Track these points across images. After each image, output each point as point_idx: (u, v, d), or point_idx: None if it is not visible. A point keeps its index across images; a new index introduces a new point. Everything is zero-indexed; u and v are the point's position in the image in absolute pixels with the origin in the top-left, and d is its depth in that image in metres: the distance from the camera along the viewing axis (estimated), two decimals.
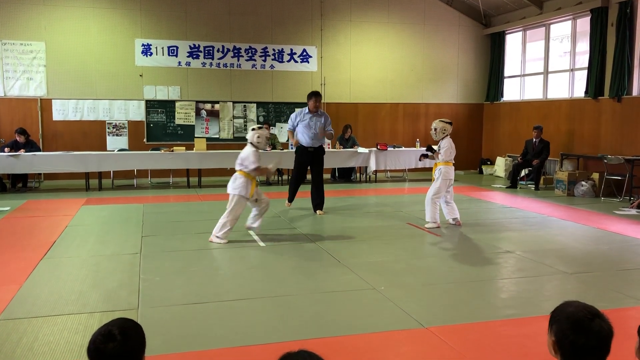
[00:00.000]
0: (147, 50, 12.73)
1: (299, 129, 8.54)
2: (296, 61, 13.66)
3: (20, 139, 10.81)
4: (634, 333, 2.13)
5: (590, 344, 1.79)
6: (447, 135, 7.55)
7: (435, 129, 7.56)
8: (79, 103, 12.47)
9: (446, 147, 7.46)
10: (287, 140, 12.97)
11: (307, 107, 8.57)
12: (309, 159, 8.59)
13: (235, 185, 6.58)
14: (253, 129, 6.74)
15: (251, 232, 7.05)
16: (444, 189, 7.50)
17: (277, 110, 13.62)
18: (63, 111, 12.41)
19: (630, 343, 2.16)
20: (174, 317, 4.14)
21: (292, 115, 8.73)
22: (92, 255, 5.99)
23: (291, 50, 13.58)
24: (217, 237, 6.53)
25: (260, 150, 6.71)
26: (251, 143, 6.68)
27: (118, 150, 12.02)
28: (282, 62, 13.55)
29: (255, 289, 4.82)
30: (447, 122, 7.60)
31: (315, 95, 8.48)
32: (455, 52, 14.75)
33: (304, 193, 9.05)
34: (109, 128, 12.71)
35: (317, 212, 8.57)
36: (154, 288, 4.81)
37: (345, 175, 13.06)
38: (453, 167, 7.59)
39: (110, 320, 1.86)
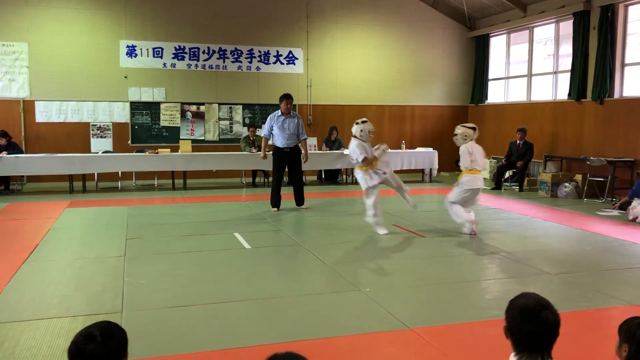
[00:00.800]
0: (131, 52, 12.65)
1: (274, 132, 8.80)
2: (282, 63, 13.65)
3: (1, 141, 10.68)
4: (616, 332, 2.16)
5: (538, 332, 1.99)
6: (469, 140, 7.09)
7: (456, 135, 7.22)
8: (63, 105, 12.36)
9: (462, 153, 7.07)
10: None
11: (279, 110, 8.81)
12: (286, 160, 8.85)
13: (359, 180, 7.29)
14: (357, 123, 7.27)
15: (236, 235, 7.03)
16: (465, 196, 7.11)
17: (263, 111, 13.58)
18: (46, 113, 12.28)
19: (612, 342, 2.19)
20: (158, 320, 4.12)
21: (267, 121, 8.96)
22: (76, 258, 5.94)
23: (277, 52, 13.57)
24: (375, 227, 7.23)
25: (364, 143, 7.17)
26: (354, 136, 7.22)
27: (102, 152, 11.92)
28: (268, 63, 13.54)
29: (240, 292, 4.80)
30: (469, 127, 7.17)
31: (286, 97, 8.77)
32: (440, 55, 14.84)
33: (288, 195, 9.07)
34: (93, 130, 12.60)
35: (301, 207, 9.04)
36: (139, 291, 4.77)
37: (331, 177, 13.07)
38: (479, 176, 7.10)
39: (93, 323, 1.86)
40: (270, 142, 9.10)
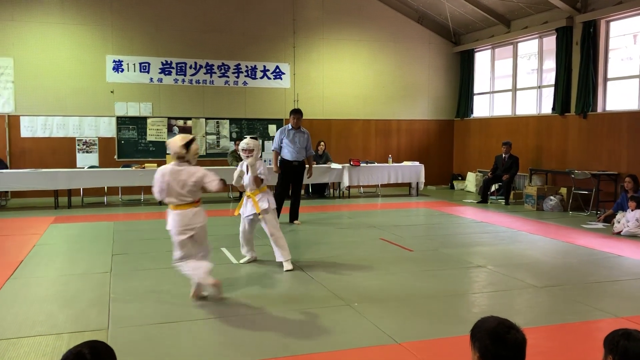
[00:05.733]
0: (118, 67, 12.63)
1: (284, 144, 8.83)
2: (269, 78, 13.70)
3: None
4: (601, 345, 2.18)
5: (510, 354, 1.98)
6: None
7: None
8: (48, 120, 12.28)
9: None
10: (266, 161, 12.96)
11: (289, 124, 8.91)
12: (293, 173, 8.89)
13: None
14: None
15: (223, 249, 7.00)
16: (184, 244, 4.87)
17: (250, 126, 13.60)
18: (31, 128, 12.18)
19: (598, 355, 2.20)
20: (145, 337, 4.08)
21: (276, 134, 9.03)
22: (61, 274, 5.87)
23: (264, 67, 13.62)
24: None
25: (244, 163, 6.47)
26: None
27: (88, 167, 11.84)
28: (255, 78, 13.57)
29: (227, 307, 4.77)
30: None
31: (295, 112, 8.92)
32: (426, 69, 14.98)
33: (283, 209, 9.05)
34: (79, 145, 12.52)
35: (295, 222, 9.02)
36: (125, 307, 4.73)
37: (318, 190, 13.07)
38: (189, 211, 4.85)
39: (81, 342, 1.85)
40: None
